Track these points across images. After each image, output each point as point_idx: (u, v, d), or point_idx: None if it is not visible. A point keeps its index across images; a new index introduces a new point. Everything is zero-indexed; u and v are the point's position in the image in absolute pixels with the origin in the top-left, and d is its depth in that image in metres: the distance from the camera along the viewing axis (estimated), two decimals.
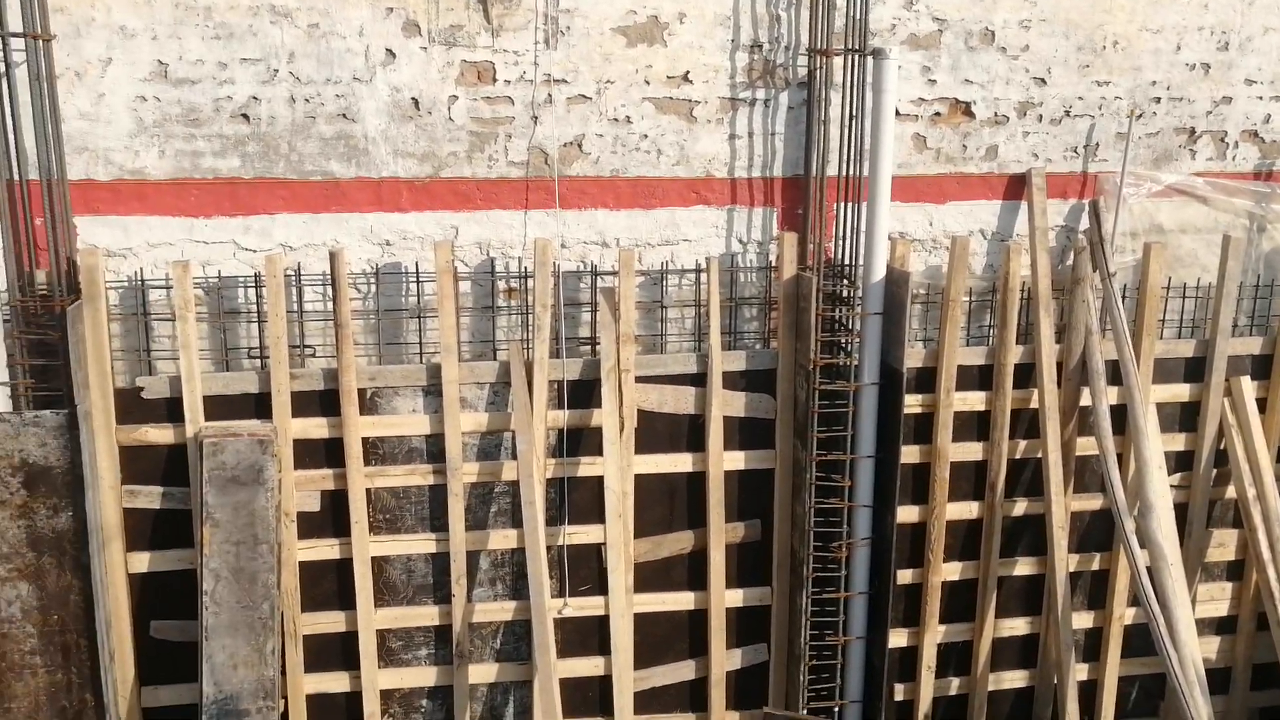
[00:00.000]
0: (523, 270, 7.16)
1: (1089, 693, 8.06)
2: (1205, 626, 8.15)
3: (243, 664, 6.71)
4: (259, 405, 6.93)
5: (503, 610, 7.42)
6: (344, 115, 6.82)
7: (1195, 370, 7.81)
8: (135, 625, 7.01)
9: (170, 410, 6.87)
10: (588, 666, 7.54)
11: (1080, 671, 7.97)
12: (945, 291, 7.35)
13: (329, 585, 7.22)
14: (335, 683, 7.31)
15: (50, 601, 6.73)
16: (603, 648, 7.48)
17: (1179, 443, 7.88)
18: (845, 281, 7.28)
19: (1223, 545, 8.04)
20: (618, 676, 7.41)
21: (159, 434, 6.88)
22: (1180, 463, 7.92)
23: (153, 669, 7.11)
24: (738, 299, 7.42)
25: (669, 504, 7.45)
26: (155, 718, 7.15)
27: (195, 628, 6.83)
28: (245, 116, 6.73)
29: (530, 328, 7.13)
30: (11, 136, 6.34)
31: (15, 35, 6.26)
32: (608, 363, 7.10)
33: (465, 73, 6.88)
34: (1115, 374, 7.47)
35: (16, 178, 6.41)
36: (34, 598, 6.72)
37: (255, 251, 6.91)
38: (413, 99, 6.86)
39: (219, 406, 6.90)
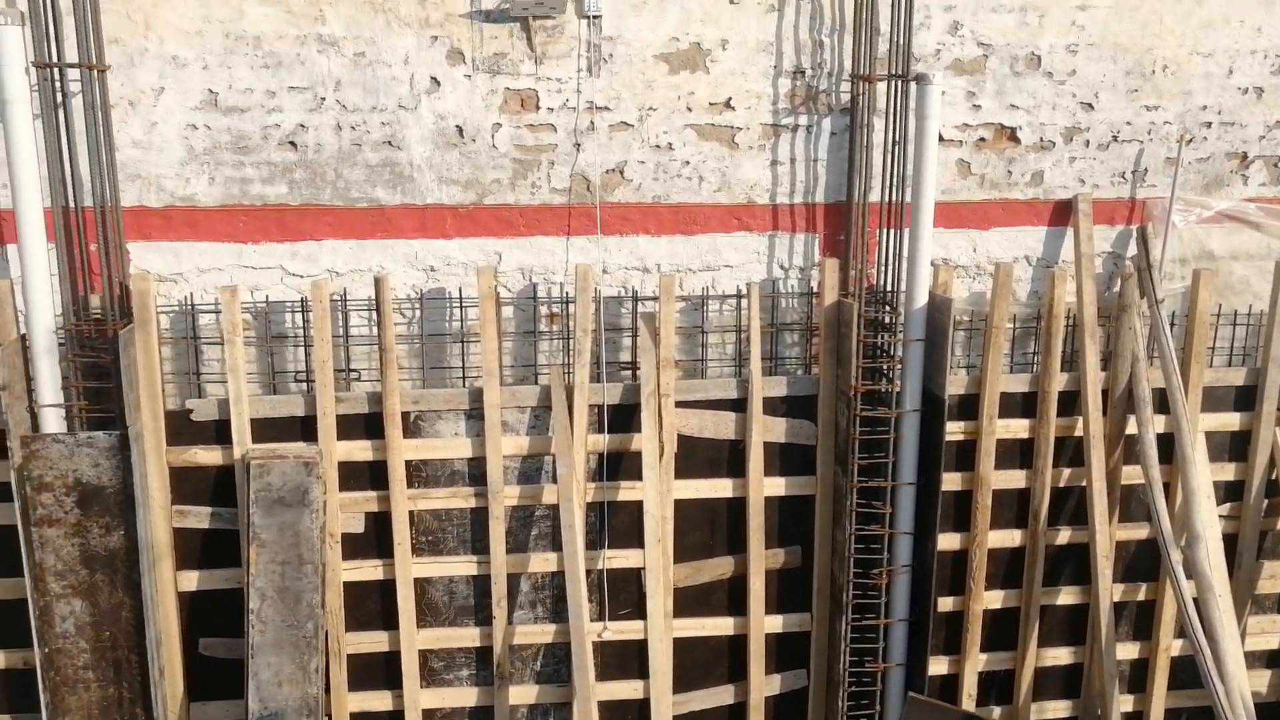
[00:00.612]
0: (564, 295, 7.36)
1: None
2: (1255, 660, 8.18)
3: (288, 681, 6.97)
4: (305, 428, 7.18)
5: (543, 633, 7.62)
6: (389, 143, 7.06)
7: (1246, 399, 7.85)
8: (184, 642, 7.29)
9: (219, 432, 7.14)
10: (627, 689, 7.72)
11: (1125, 703, 8.04)
12: (989, 318, 7.45)
13: (372, 605, 7.46)
14: (378, 701, 7.55)
15: (102, 618, 6.99)
16: (642, 671, 7.64)
17: (1229, 472, 7.93)
18: (887, 308, 7.41)
19: (1274, 577, 8.04)
20: (656, 700, 7.56)
21: (208, 455, 7.15)
22: (1230, 492, 7.96)
23: (201, 685, 7.38)
24: (779, 325, 7.57)
25: (709, 529, 7.61)
26: None
27: (242, 645, 7.09)
28: (293, 144, 6.99)
29: (571, 352, 7.32)
30: (68, 164, 6.63)
31: (71, 66, 6.54)
32: (648, 387, 7.28)
33: (509, 100, 7.10)
34: (1162, 402, 7.55)
35: (72, 204, 6.69)
36: (87, 614, 6.98)
37: (302, 277, 7.17)
38: (457, 126, 7.08)
39: (266, 429, 7.16)
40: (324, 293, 6.99)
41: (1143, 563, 7.97)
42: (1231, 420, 7.86)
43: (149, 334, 6.91)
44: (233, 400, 7.06)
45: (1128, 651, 8.06)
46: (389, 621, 7.45)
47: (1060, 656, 8.06)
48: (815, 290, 7.51)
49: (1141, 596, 8.03)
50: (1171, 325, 7.64)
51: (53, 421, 6.85)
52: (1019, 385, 7.64)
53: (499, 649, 7.52)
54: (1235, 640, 7.59)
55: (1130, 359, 7.53)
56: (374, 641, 7.48)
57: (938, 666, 7.87)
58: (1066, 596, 7.96)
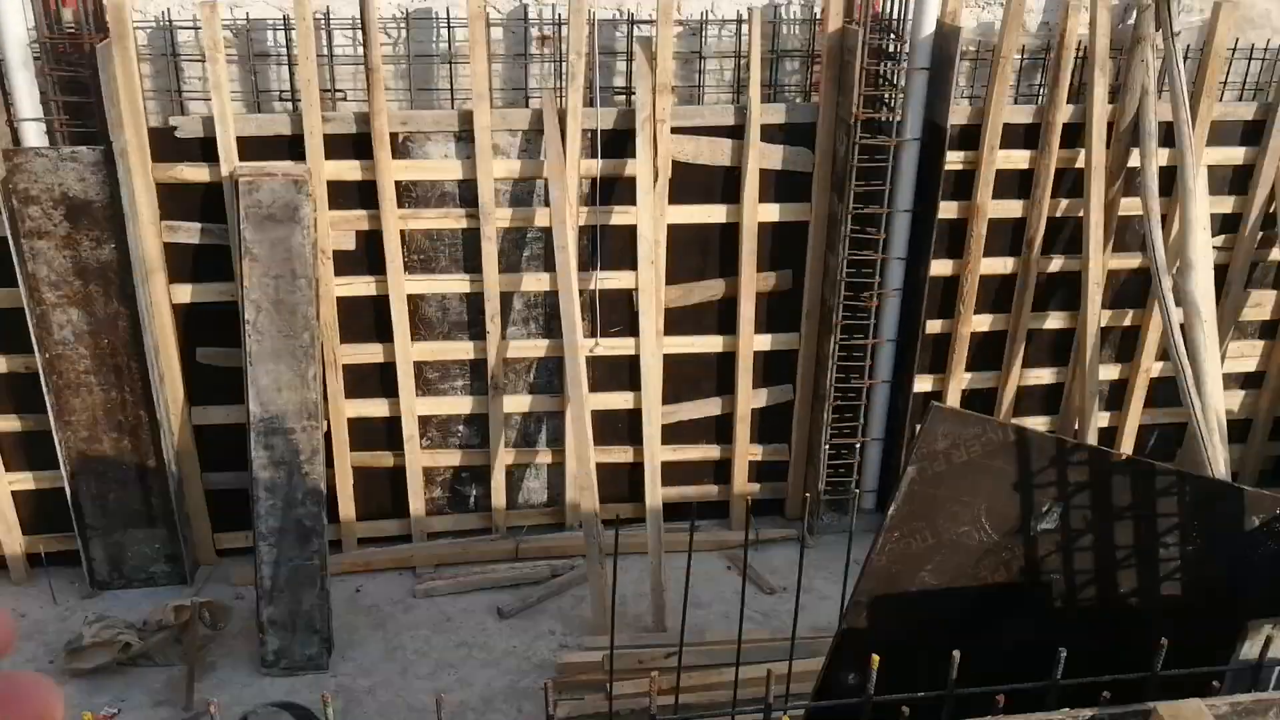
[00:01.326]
0: (557, 17, 7.38)
1: (1108, 439, 8.77)
2: (1232, 381, 8.75)
3: (286, 387, 7.52)
4: (292, 148, 7.39)
5: (535, 348, 8.10)
6: None
7: (1252, 134, 8.03)
8: (182, 351, 7.79)
9: (204, 150, 7.35)
10: (618, 400, 8.30)
11: (1102, 419, 8.69)
12: (997, 48, 7.51)
13: (366, 320, 7.90)
14: (375, 408, 8.14)
15: (100, 326, 7.47)
16: (634, 384, 8.19)
17: (1227, 205, 8.22)
18: (892, 36, 7.45)
19: (1259, 305, 8.51)
20: (647, 410, 8.09)
21: (194, 173, 7.40)
22: (1226, 225, 8.28)
23: (201, 391, 7.93)
24: (779, 51, 7.63)
25: (701, 254, 7.97)
26: (206, 434, 8.04)
27: (239, 355, 7.59)
28: None
29: (564, 76, 7.42)
30: None
31: None
32: (643, 113, 7.43)
33: None
34: (1167, 136, 7.72)
35: None
36: (84, 323, 7.45)
37: None
38: None
39: (252, 147, 7.36)
40: (307, 10, 7.01)
41: (1131, 291, 8.41)
42: (1235, 154, 8.09)
43: (126, 49, 7.00)
44: (218, 118, 7.23)
45: (1109, 373, 8.63)
46: (383, 335, 7.91)
47: (1043, 376, 8.63)
48: (819, 16, 7.52)
49: (1127, 322, 8.52)
50: (1185, 59, 7.68)
51: (33, 136, 7.07)
52: (1022, 116, 7.79)
53: (493, 361, 8.02)
54: (1216, 362, 8.09)
55: (1139, 92, 7.64)
56: (369, 353, 7.98)
57: (922, 384, 8.43)
58: (1054, 321, 8.43)
